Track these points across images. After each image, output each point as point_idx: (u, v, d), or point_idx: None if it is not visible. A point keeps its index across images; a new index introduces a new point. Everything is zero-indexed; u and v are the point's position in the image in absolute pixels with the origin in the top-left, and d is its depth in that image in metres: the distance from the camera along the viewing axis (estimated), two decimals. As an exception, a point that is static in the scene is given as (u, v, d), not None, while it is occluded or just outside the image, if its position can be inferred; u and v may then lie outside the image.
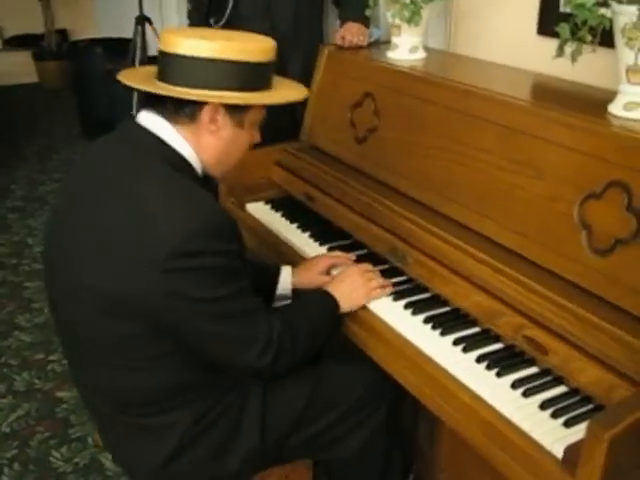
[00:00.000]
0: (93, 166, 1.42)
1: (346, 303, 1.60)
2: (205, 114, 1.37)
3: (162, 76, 1.39)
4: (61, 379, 2.68)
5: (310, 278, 1.73)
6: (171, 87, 1.36)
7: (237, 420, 1.48)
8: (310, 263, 1.77)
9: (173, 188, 1.32)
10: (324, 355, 1.75)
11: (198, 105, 1.36)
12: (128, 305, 1.29)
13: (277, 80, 1.50)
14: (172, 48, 1.36)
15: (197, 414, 1.43)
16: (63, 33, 6.50)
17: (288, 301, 1.73)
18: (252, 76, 1.39)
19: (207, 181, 1.50)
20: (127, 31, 4.89)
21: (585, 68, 1.55)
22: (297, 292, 1.73)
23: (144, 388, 1.39)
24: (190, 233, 1.25)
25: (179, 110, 1.36)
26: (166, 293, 1.26)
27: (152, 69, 1.47)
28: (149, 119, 1.39)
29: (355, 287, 1.62)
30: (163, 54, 1.39)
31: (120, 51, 4.62)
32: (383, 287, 1.65)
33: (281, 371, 1.48)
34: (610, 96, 1.56)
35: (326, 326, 1.57)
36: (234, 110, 1.40)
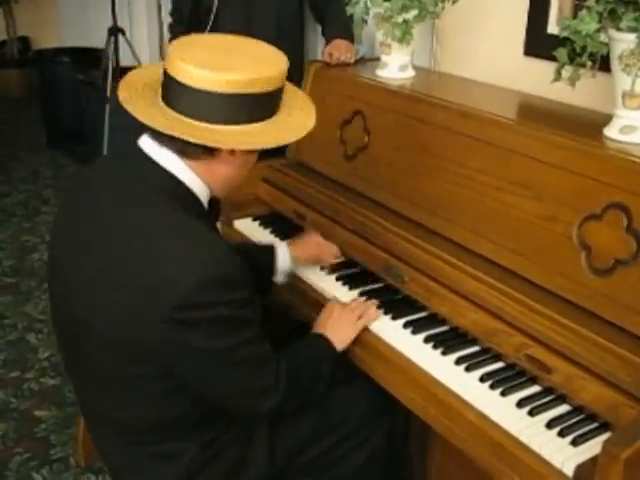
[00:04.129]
0: (95, 194, 1.35)
1: (339, 339, 1.58)
2: (226, 151, 1.30)
3: (172, 103, 1.28)
4: (38, 398, 2.61)
5: (307, 250, 1.84)
6: (187, 120, 1.26)
7: (245, 447, 1.47)
8: (302, 239, 1.89)
9: (182, 232, 1.26)
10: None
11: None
12: (132, 349, 1.26)
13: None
14: (186, 79, 1.25)
15: (205, 442, 1.41)
16: (25, 41, 6.39)
17: (287, 275, 1.80)
18: (268, 105, 1.32)
19: (211, 207, 1.44)
20: (94, 41, 4.85)
21: (570, 90, 1.59)
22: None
23: (149, 418, 1.37)
24: (199, 283, 1.20)
25: (193, 145, 1.26)
26: (172, 344, 1.23)
27: (149, 79, 1.36)
28: (154, 150, 1.30)
29: (340, 321, 1.61)
30: (172, 79, 1.27)
31: (88, 61, 4.57)
32: (367, 314, 1.64)
33: (287, 413, 1.47)
34: (603, 119, 1.60)
35: (328, 365, 1.54)
36: None
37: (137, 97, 1.32)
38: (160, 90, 1.32)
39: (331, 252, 1.89)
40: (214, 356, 1.27)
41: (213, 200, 1.43)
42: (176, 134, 1.24)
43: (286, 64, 1.34)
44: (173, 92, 1.28)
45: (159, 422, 1.37)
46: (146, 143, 1.32)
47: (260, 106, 1.30)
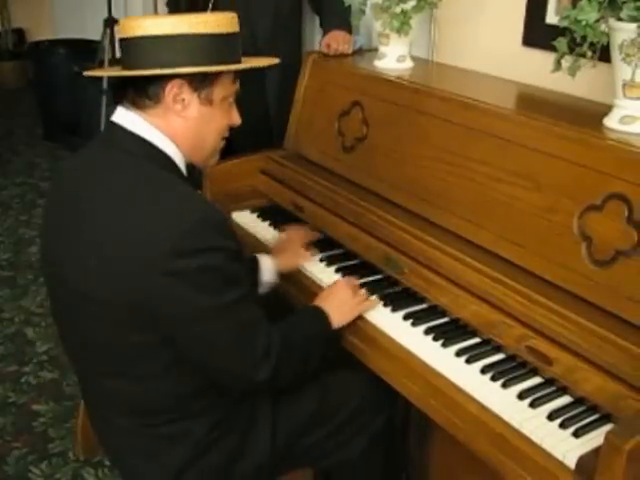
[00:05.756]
0: (79, 174, 1.40)
1: (336, 317, 1.58)
2: (168, 93, 1.33)
3: (123, 63, 1.38)
4: (36, 392, 2.61)
5: (289, 258, 1.82)
6: (134, 71, 1.34)
7: (248, 431, 1.47)
8: (284, 245, 1.87)
9: (162, 186, 1.31)
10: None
11: (160, 86, 1.33)
12: (130, 312, 1.27)
13: (249, 58, 1.47)
14: (129, 32, 1.33)
15: (212, 422, 1.41)
16: (20, 33, 6.35)
17: (272, 285, 1.79)
18: (215, 49, 1.34)
19: (191, 177, 1.48)
20: (89, 32, 4.83)
21: (569, 80, 1.58)
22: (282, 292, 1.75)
23: (158, 396, 1.37)
24: (186, 230, 1.23)
25: (141, 94, 1.33)
26: (161, 297, 1.24)
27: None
28: (121, 116, 1.36)
29: (343, 301, 1.61)
30: (122, 41, 1.37)
31: (84, 53, 4.55)
32: (369, 300, 1.65)
33: (280, 386, 1.47)
34: (603, 109, 1.59)
35: (321, 341, 1.56)
36: (199, 85, 1.35)
37: (100, 71, 1.43)
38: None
39: (306, 256, 1.88)
40: (200, 312, 1.26)
41: (193, 170, 1.47)
42: (112, 74, 1.36)
43: (234, 14, 1.40)
44: (124, 52, 1.37)
45: (162, 401, 1.37)
46: (117, 115, 1.37)
47: (209, 48, 1.34)
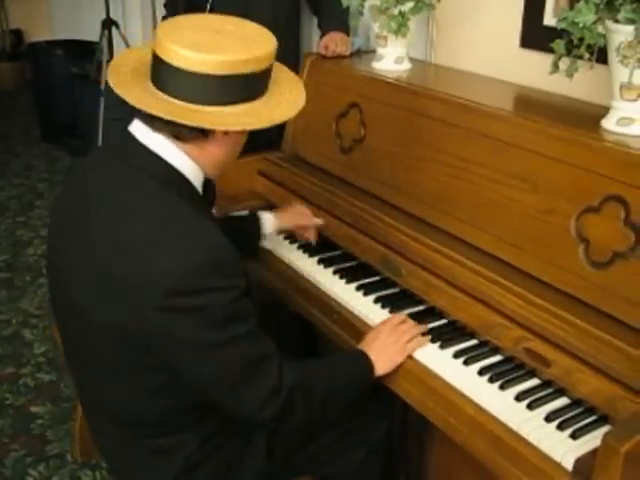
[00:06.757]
0: (88, 184, 1.36)
1: (382, 364, 1.50)
2: (219, 132, 1.30)
3: (162, 85, 1.27)
4: (34, 393, 2.61)
5: (291, 215, 1.93)
6: (179, 103, 1.26)
7: (244, 444, 1.46)
8: (286, 207, 1.98)
9: (174, 217, 1.25)
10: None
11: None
12: (127, 337, 1.25)
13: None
14: (176, 61, 1.24)
15: (205, 436, 1.40)
16: (17, 33, 6.35)
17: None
18: (259, 84, 1.33)
19: (205, 191, 1.44)
20: (87, 34, 4.82)
21: (567, 81, 1.58)
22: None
23: (153, 410, 1.36)
24: (190, 269, 1.19)
25: (187, 128, 1.26)
26: (163, 333, 1.21)
27: (137, 63, 1.35)
28: (146, 135, 1.30)
29: (387, 345, 1.51)
30: (162, 61, 1.26)
31: (82, 54, 4.54)
32: (418, 340, 1.55)
33: (291, 428, 1.44)
34: (601, 111, 1.59)
35: (352, 390, 1.49)
36: None
37: (127, 82, 1.31)
38: (150, 74, 1.31)
39: (311, 220, 1.95)
40: (198, 348, 1.23)
41: (208, 185, 1.44)
42: (174, 119, 1.23)
43: (274, 43, 1.34)
44: (165, 75, 1.27)
45: (157, 415, 1.36)
46: (137, 128, 1.31)
47: (252, 86, 1.30)
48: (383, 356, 1.50)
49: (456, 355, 1.51)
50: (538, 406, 1.36)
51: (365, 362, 1.49)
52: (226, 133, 1.31)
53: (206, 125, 1.25)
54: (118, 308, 1.23)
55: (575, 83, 1.62)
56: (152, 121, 1.28)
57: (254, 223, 1.89)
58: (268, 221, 1.89)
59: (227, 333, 1.23)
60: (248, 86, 1.29)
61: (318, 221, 1.94)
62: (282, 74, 1.44)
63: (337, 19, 2.32)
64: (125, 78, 1.31)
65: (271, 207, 2.07)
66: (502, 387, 1.41)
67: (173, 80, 1.26)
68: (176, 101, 1.27)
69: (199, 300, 1.20)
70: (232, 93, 1.28)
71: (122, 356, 1.29)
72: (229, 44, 1.28)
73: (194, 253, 1.20)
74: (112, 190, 1.30)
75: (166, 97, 1.27)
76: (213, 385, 1.28)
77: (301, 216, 1.95)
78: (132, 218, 1.26)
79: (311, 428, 1.51)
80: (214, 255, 1.22)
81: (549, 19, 1.91)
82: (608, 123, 1.54)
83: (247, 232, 1.88)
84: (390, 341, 1.51)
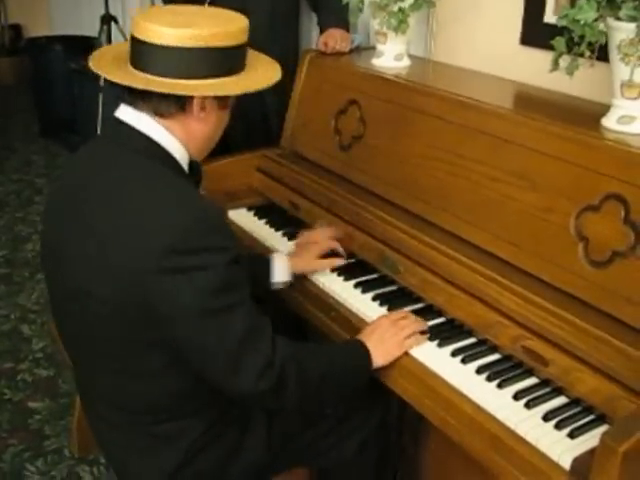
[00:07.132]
0: (80, 170, 1.40)
1: (379, 357, 1.50)
2: (196, 104, 1.34)
3: (140, 65, 1.33)
4: (32, 389, 2.61)
5: (304, 264, 1.77)
6: (156, 78, 1.31)
7: (243, 431, 1.47)
8: (302, 249, 1.81)
9: (164, 183, 1.30)
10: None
11: (189, 97, 1.33)
12: (129, 311, 1.26)
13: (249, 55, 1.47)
14: (151, 37, 1.30)
15: (207, 423, 1.41)
16: (16, 29, 6.33)
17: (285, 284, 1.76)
18: (236, 59, 1.38)
19: (192, 174, 1.46)
20: (86, 29, 4.81)
21: (567, 79, 1.58)
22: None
23: (152, 394, 1.36)
24: (186, 229, 1.22)
25: (165, 102, 1.32)
26: (162, 300, 1.23)
27: (118, 51, 1.43)
28: (130, 115, 1.35)
29: (386, 338, 1.51)
30: (138, 41, 1.33)
31: (81, 49, 4.52)
32: (417, 337, 1.54)
33: (285, 406, 1.43)
34: (601, 109, 1.59)
35: (349, 378, 1.49)
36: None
37: (108, 66, 1.38)
38: (129, 58, 1.37)
39: (331, 262, 1.81)
40: (195, 311, 1.23)
41: (194, 166, 1.46)
42: (149, 87, 1.29)
43: (246, 22, 1.40)
44: (142, 55, 1.33)
45: (159, 399, 1.37)
46: (122, 111, 1.36)
47: (227, 61, 1.35)
48: (381, 348, 1.50)
49: (454, 353, 1.50)
50: (536, 405, 1.35)
51: (363, 352, 1.49)
52: (203, 108, 1.35)
53: (179, 92, 1.30)
54: (118, 281, 1.25)
55: (575, 81, 1.61)
56: (135, 101, 1.34)
57: (264, 269, 1.73)
58: (280, 269, 1.74)
59: (224, 300, 1.26)
60: (222, 61, 1.35)
61: (338, 262, 1.81)
62: (259, 59, 1.50)
63: (336, 16, 2.31)
64: (106, 63, 1.39)
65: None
66: (500, 386, 1.41)
67: (150, 57, 1.33)
68: (155, 77, 1.32)
69: (196, 260, 1.22)
70: (207, 67, 1.33)
71: (123, 334, 1.30)
72: (201, 21, 1.35)
73: (189, 214, 1.25)
74: (107, 170, 1.34)
75: (143, 74, 1.33)
76: (211, 356, 1.28)
77: (317, 264, 1.79)
78: (127, 192, 1.29)
79: (307, 415, 1.52)
80: (209, 216, 1.28)
81: (549, 16, 1.91)
82: (608, 121, 1.53)
83: (255, 277, 1.66)
84: (389, 334, 1.51)
